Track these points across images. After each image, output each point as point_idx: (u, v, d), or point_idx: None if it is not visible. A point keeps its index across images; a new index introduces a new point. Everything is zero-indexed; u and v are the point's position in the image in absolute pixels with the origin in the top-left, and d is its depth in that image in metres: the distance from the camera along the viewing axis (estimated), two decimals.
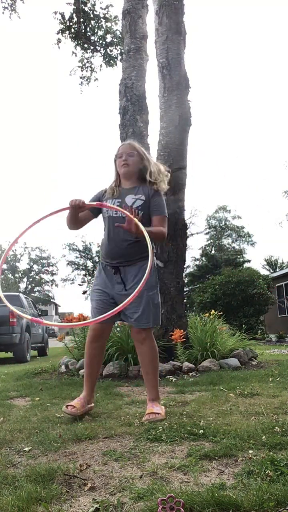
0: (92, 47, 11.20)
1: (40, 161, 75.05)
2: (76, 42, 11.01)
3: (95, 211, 2.78)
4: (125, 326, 4.74)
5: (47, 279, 47.37)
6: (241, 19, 66.99)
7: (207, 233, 34.93)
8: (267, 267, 38.15)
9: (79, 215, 2.70)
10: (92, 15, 10.89)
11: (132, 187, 2.71)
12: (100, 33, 11.09)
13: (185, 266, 5.55)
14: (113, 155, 2.78)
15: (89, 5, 10.87)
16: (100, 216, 2.82)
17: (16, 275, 45.52)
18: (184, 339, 4.61)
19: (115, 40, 10.97)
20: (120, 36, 10.03)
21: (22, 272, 46.17)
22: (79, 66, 11.39)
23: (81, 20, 10.65)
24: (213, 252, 33.33)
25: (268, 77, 70.84)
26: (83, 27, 10.86)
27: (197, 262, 33.55)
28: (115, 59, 11.14)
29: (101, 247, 2.81)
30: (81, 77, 11.49)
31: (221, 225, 34.91)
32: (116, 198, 2.67)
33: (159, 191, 2.73)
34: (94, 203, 2.72)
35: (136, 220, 2.44)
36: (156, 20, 5.52)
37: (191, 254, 37.45)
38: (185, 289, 7.86)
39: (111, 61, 11.16)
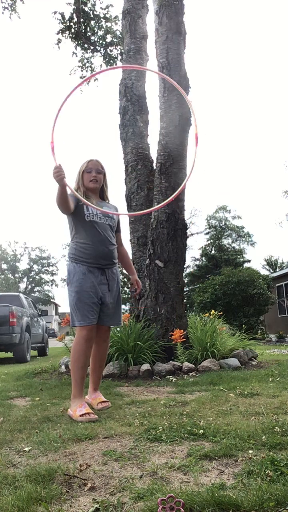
0: (92, 47, 11.20)
1: (39, 161, 75.07)
2: (76, 42, 11.01)
3: (74, 202, 2.83)
4: (126, 326, 4.75)
5: (47, 279, 47.38)
6: (241, 18, 67.00)
7: (207, 233, 34.89)
8: (267, 267, 38.13)
9: (67, 198, 2.71)
10: (92, 15, 10.90)
11: (102, 201, 3.02)
12: (100, 33, 11.10)
13: (185, 266, 5.55)
14: (81, 168, 2.96)
15: (89, 5, 10.88)
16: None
17: (16, 275, 45.49)
18: (184, 339, 4.61)
19: (115, 40, 10.97)
20: (120, 36, 10.04)
21: (22, 272, 46.13)
22: (79, 66, 11.40)
23: (81, 20, 10.65)
24: (213, 252, 33.30)
25: (268, 77, 70.85)
26: (83, 27, 10.86)
27: (197, 262, 33.53)
28: (115, 59, 11.14)
29: (82, 250, 2.84)
30: (81, 77, 11.50)
31: (221, 225, 34.86)
32: (97, 206, 2.88)
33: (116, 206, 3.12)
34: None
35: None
36: (156, 20, 5.52)
37: (191, 254, 37.51)
38: (185, 289, 7.87)
39: (111, 61, 11.16)
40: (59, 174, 2.53)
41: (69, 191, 2.75)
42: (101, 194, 3.05)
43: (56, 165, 2.54)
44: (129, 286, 3.24)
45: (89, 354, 2.83)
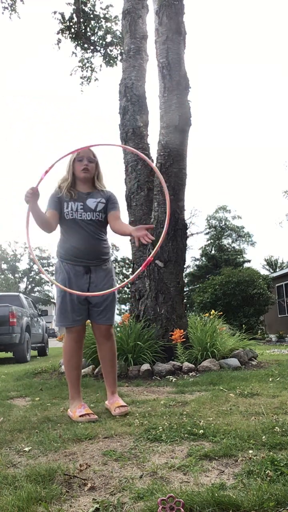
0: (92, 47, 11.20)
1: (39, 161, 75.02)
2: (76, 42, 11.01)
3: (59, 208, 2.76)
4: (126, 326, 4.75)
5: (47, 279, 47.39)
6: (241, 18, 67.04)
7: (207, 233, 34.88)
8: (267, 267, 38.12)
9: (44, 217, 2.64)
10: (92, 15, 10.90)
11: (88, 192, 2.82)
12: (100, 33, 11.10)
13: (185, 266, 5.55)
14: (72, 156, 2.79)
15: (89, 5, 10.88)
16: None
17: (16, 275, 45.50)
18: (184, 339, 4.61)
19: (115, 40, 10.97)
20: (120, 36, 10.04)
21: (22, 272, 46.14)
22: (79, 66, 11.40)
23: (81, 20, 10.65)
24: (213, 252, 33.29)
25: (269, 76, 70.87)
26: (83, 27, 10.86)
27: (197, 262, 33.52)
28: (115, 59, 11.14)
29: (64, 247, 2.77)
30: (81, 77, 11.51)
31: (221, 225, 34.85)
32: (78, 201, 2.75)
33: (112, 194, 2.93)
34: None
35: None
36: (156, 20, 5.52)
37: (191, 254, 37.46)
38: (185, 289, 7.87)
39: (111, 61, 11.17)
40: (28, 197, 2.45)
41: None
42: (93, 184, 2.85)
43: (33, 187, 2.45)
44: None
45: (80, 354, 2.81)
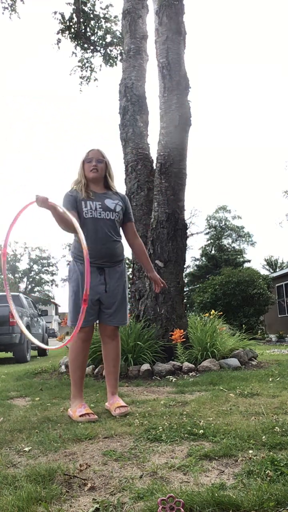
0: (92, 47, 11.19)
1: (39, 161, 75.02)
2: (76, 42, 11.01)
3: (75, 208, 2.77)
4: (126, 326, 4.74)
5: (47, 279, 47.42)
6: (242, 18, 67.04)
7: (207, 233, 34.88)
8: (267, 267, 38.11)
9: (65, 217, 2.60)
10: (92, 15, 10.89)
11: (104, 192, 2.86)
12: (100, 33, 11.09)
13: (185, 266, 5.55)
14: (81, 158, 2.85)
15: (89, 5, 10.87)
16: None
17: (16, 275, 45.49)
18: (184, 339, 4.61)
19: (115, 40, 10.97)
20: (120, 36, 10.04)
21: (22, 272, 46.14)
22: (79, 66, 11.40)
23: (81, 20, 10.65)
24: (213, 252, 33.29)
25: (269, 76, 70.87)
26: (83, 27, 10.85)
27: (197, 262, 33.52)
28: (115, 59, 11.14)
29: (79, 247, 2.74)
30: (81, 77, 11.50)
31: (221, 225, 34.85)
32: (95, 201, 2.78)
33: (126, 197, 2.98)
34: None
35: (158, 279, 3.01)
36: (156, 20, 5.52)
37: (191, 254, 37.48)
38: (185, 289, 7.86)
39: (111, 60, 11.16)
40: (40, 200, 2.48)
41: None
42: (106, 184, 2.88)
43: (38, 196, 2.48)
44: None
45: (86, 354, 2.81)
